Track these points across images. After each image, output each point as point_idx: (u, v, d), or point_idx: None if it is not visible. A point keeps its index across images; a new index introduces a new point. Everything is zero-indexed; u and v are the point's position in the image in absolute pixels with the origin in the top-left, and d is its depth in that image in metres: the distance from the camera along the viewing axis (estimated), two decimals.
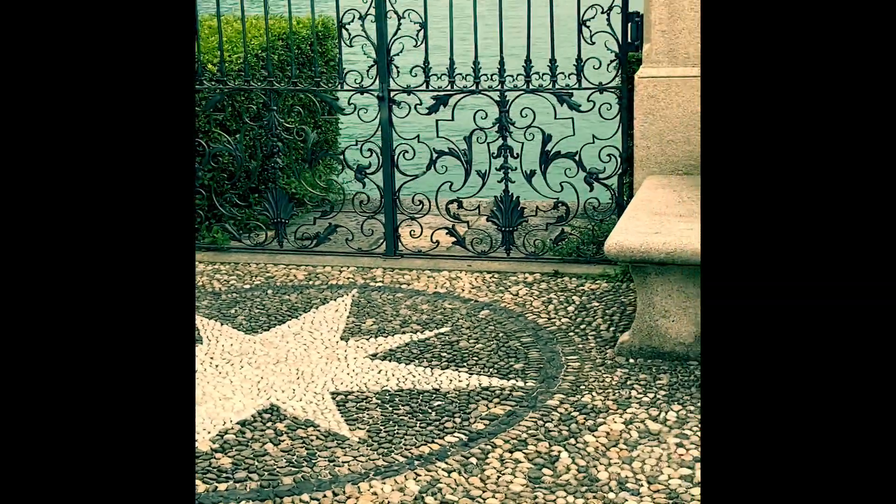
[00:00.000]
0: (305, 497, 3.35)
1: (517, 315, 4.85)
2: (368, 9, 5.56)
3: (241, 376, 4.26)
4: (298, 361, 4.39)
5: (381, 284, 5.37)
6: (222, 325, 4.85)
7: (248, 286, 5.42)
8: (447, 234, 5.81)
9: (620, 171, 5.44)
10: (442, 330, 4.70)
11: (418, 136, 5.68)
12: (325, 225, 5.94)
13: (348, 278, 5.49)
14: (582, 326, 4.68)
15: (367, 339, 4.61)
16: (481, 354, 4.39)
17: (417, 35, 5.53)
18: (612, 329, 4.62)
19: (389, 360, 4.37)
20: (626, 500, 3.25)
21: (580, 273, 5.37)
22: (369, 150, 5.72)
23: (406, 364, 4.33)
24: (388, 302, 5.09)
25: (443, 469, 3.48)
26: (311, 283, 5.44)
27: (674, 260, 4.00)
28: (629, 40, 5.30)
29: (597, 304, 4.96)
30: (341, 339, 4.64)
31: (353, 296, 5.19)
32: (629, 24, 5.28)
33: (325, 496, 3.35)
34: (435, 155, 5.66)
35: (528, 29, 5.42)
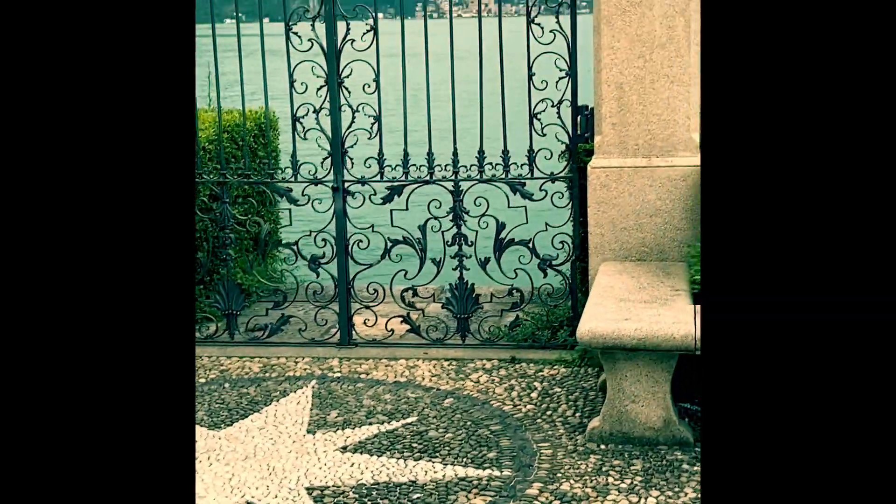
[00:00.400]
0: None
1: (482, 402, 4.86)
2: (323, 102, 5.61)
3: (212, 474, 4.16)
4: (268, 457, 4.31)
5: (339, 375, 5.33)
6: None
7: (203, 380, 5.32)
8: (402, 322, 5.81)
9: (573, 257, 5.53)
10: (409, 420, 4.67)
11: (372, 225, 5.71)
12: (278, 315, 5.90)
13: (305, 369, 5.44)
14: (548, 413, 4.70)
15: (335, 432, 4.56)
16: (452, 444, 4.38)
17: (372, 127, 5.59)
18: (578, 415, 4.65)
19: (360, 453, 4.32)
20: None
21: (537, 358, 5.41)
22: (323, 239, 5.73)
23: (378, 456, 4.28)
24: (349, 392, 5.05)
25: None
26: (267, 374, 5.38)
27: (645, 346, 4.07)
28: (579, 132, 5.44)
29: (559, 389, 4.99)
30: (308, 432, 4.58)
31: (313, 387, 5.14)
32: (578, 118, 5.42)
33: None
34: (389, 244, 5.69)
35: (481, 121, 5.52)
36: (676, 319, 4.11)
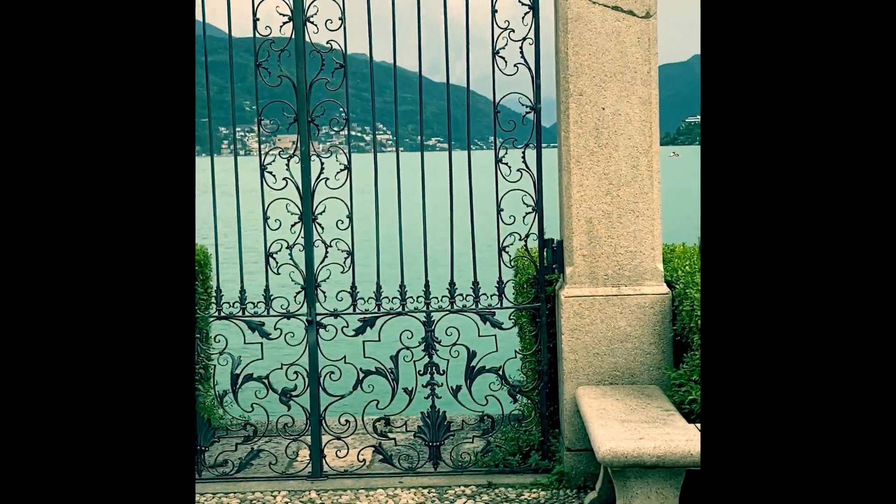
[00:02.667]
0: None
1: None
2: (297, 238, 5.60)
3: None
4: None
5: None
6: None
7: None
8: (374, 451, 5.72)
9: (542, 383, 5.63)
10: None
11: (344, 357, 5.66)
12: (247, 450, 5.71)
13: (285, 502, 5.26)
14: None
15: None
16: None
17: (345, 262, 5.60)
18: None
19: None
20: None
21: (513, 483, 5.41)
22: (295, 372, 5.63)
23: None
24: None
25: None
26: None
27: (664, 462, 4.17)
28: (545, 264, 5.62)
29: None
30: None
31: None
32: (545, 250, 5.61)
33: None
34: (362, 375, 5.64)
35: (452, 254, 5.62)
36: (687, 437, 4.25)
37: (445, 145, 5.76)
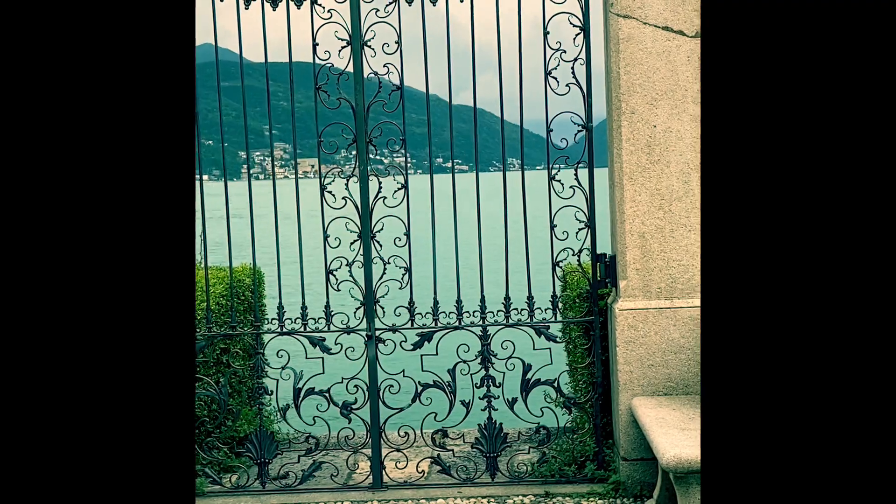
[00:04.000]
0: None
1: None
2: (356, 256, 5.74)
3: None
4: None
5: None
6: None
7: None
8: (433, 462, 5.84)
9: (596, 395, 5.72)
10: None
11: (403, 370, 5.78)
12: (308, 462, 5.84)
13: None
14: None
15: None
16: None
17: (403, 278, 5.73)
18: None
19: None
20: None
21: (569, 492, 5.50)
22: (355, 386, 5.76)
23: None
24: None
25: None
26: None
27: None
28: (598, 278, 5.72)
29: None
30: None
31: None
32: (598, 265, 5.71)
33: None
34: (420, 388, 5.75)
35: (507, 270, 5.74)
36: None
37: (498, 166, 5.88)
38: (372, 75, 5.63)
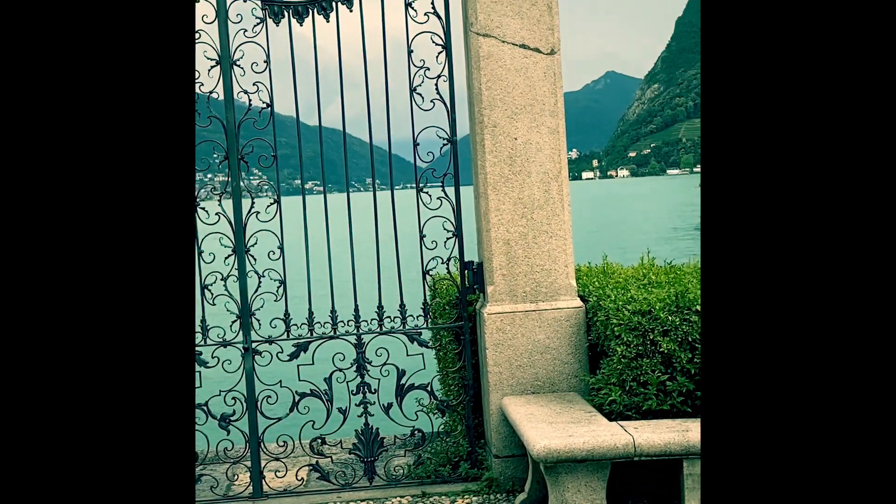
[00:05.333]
0: None
1: None
2: (230, 270, 5.84)
3: None
4: None
5: None
6: None
7: None
8: (312, 470, 5.96)
9: (467, 398, 5.95)
10: None
11: (280, 381, 5.89)
12: None
13: None
14: None
15: None
16: None
17: (277, 290, 5.86)
18: None
19: None
20: None
21: (445, 492, 5.71)
22: (233, 398, 5.84)
23: None
24: None
25: None
26: None
27: (593, 455, 4.53)
28: (467, 285, 5.97)
29: None
30: None
31: None
32: (466, 272, 5.96)
33: None
34: (297, 397, 5.88)
35: (379, 280, 5.93)
36: (612, 433, 4.62)
37: (367, 183, 6.07)
38: (242, 94, 5.75)
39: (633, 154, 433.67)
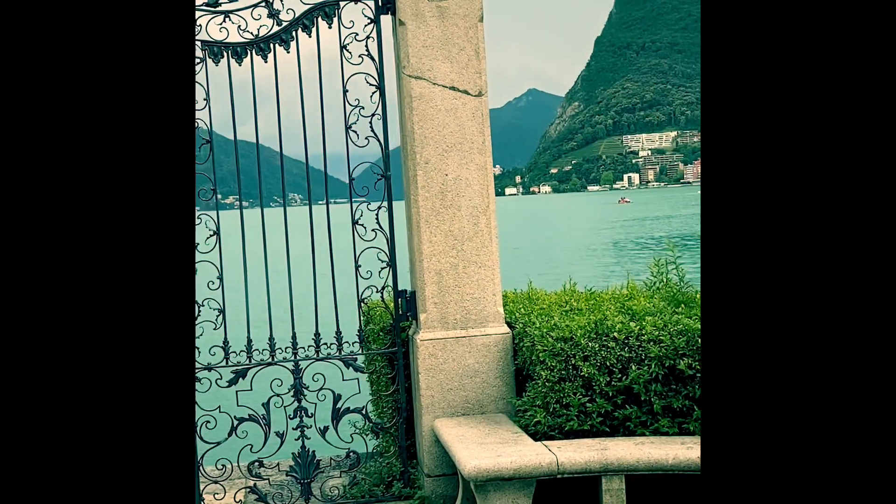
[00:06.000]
0: None
1: None
2: None
3: None
4: None
5: None
6: None
7: None
8: (249, 492, 6.19)
9: (400, 420, 6.25)
10: None
11: (219, 406, 6.11)
12: None
13: None
14: None
15: None
16: None
17: (216, 319, 6.08)
18: None
19: None
20: None
21: None
22: None
23: None
24: None
25: None
26: None
27: (520, 474, 4.85)
28: (400, 312, 6.27)
29: None
30: None
31: None
32: (399, 300, 6.26)
33: None
34: (236, 422, 6.11)
35: (316, 308, 6.18)
36: (537, 452, 4.96)
37: (306, 204, 6.34)
38: None
39: (554, 170, 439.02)
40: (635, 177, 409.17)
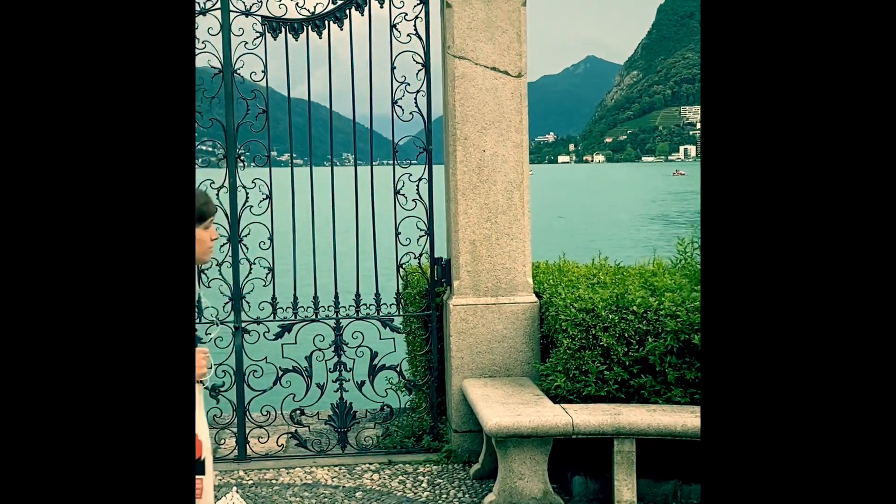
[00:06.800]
0: None
1: (386, 493, 5.83)
2: (225, 257, 6.52)
3: None
4: None
5: (252, 482, 6.11)
6: None
7: None
8: (291, 437, 6.69)
9: (432, 379, 6.69)
10: None
11: (266, 357, 6.61)
12: None
13: (220, 479, 6.17)
14: (444, 496, 5.75)
15: None
16: None
17: (266, 277, 6.56)
18: (468, 496, 5.75)
19: None
20: None
21: (409, 460, 6.46)
22: (223, 371, 6.55)
23: None
24: (274, 493, 5.86)
25: None
26: None
27: (537, 432, 5.28)
28: (436, 278, 6.69)
29: (440, 480, 6.07)
30: None
31: (237, 491, 5.89)
32: (435, 267, 6.69)
33: None
34: (280, 373, 6.60)
35: (357, 271, 6.63)
36: (554, 413, 5.38)
37: (348, 161, 6.77)
38: (241, 99, 6.42)
39: (609, 140, 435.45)
40: (692, 149, 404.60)
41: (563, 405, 5.57)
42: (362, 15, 6.56)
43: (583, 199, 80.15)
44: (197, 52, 6.34)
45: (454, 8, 6.34)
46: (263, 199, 6.50)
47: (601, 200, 75.51)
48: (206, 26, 6.34)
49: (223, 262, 6.52)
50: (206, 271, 6.49)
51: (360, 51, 6.56)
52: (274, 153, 6.67)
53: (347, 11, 6.55)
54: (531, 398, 5.75)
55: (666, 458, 5.59)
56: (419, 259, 6.66)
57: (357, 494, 5.81)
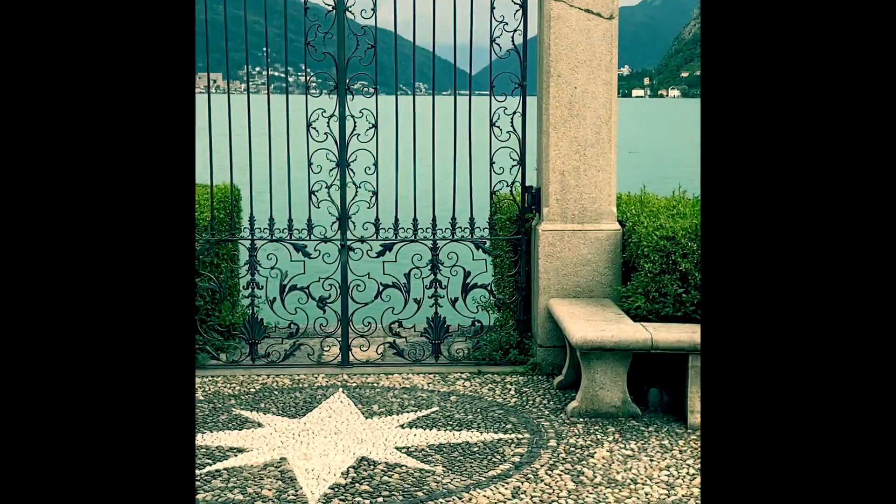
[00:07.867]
0: (441, 501, 4.77)
1: (477, 397, 6.46)
2: (333, 181, 7.13)
3: (321, 441, 5.55)
4: (352, 432, 5.72)
5: (356, 384, 6.78)
6: (264, 414, 6.09)
7: (254, 390, 6.65)
8: (389, 347, 7.35)
9: (519, 298, 7.27)
10: (433, 409, 6.20)
11: (368, 273, 7.24)
12: (291, 343, 7.30)
13: (326, 381, 6.85)
14: (530, 402, 6.36)
15: (386, 417, 6.02)
16: (478, 421, 5.95)
17: (370, 200, 7.15)
18: (552, 403, 6.34)
19: (415, 428, 5.82)
20: (641, 488, 4.95)
21: (497, 371, 7.07)
22: (329, 284, 7.20)
23: (429, 430, 5.79)
24: (376, 394, 6.52)
25: (516, 481, 5.01)
26: (300, 386, 6.76)
27: (619, 346, 5.83)
28: (526, 205, 7.23)
29: (527, 389, 6.67)
30: (366, 417, 6.03)
31: (342, 392, 6.57)
32: (526, 195, 7.21)
33: (450, 500, 4.79)
34: (381, 288, 7.23)
35: (454, 197, 7.19)
36: (635, 330, 5.91)
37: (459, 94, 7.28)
38: (351, 35, 6.96)
39: (685, 74, 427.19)
40: None
41: (642, 324, 6.09)
42: None
43: (659, 134, 79.46)
44: None
45: None
46: (369, 128, 7.06)
47: (678, 135, 74.75)
48: None
49: (331, 184, 7.12)
50: (315, 193, 7.10)
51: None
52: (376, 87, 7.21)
53: None
54: (613, 316, 6.29)
55: None
56: (511, 187, 7.19)
57: (451, 398, 6.43)
